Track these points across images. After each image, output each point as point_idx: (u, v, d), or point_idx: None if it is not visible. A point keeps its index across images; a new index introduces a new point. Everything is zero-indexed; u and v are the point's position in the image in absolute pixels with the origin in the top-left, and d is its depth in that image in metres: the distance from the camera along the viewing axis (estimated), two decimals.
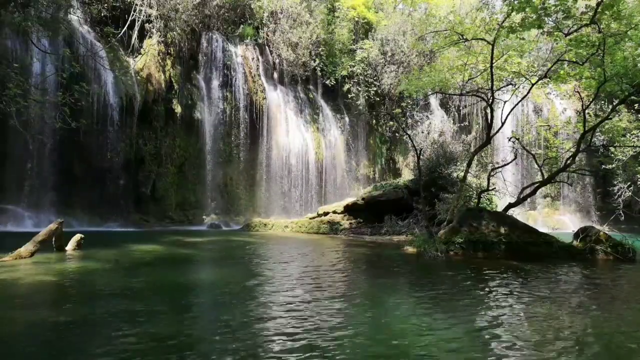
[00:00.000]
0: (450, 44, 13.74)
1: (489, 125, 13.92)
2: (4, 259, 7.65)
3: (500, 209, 13.76)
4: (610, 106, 13.18)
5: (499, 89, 13.88)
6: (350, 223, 17.37)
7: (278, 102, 23.68)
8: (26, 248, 8.06)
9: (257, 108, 22.67)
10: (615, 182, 21.93)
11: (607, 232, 11.25)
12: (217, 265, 8.97)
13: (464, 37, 12.90)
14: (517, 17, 11.56)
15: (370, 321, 4.64)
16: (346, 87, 26.05)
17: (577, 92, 15.61)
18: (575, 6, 11.17)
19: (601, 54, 10.77)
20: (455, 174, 17.15)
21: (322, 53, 25.13)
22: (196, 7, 21.17)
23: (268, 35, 23.97)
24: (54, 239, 8.76)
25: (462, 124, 26.52)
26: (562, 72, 12.96)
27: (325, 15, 26.09)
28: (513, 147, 15.15)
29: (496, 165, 15.88)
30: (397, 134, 26.44)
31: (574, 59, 11.94)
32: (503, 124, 13.81)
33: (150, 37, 20.01)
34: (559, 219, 26.14)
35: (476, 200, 14.01)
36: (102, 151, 17.59)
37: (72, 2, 15.75)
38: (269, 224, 18.29)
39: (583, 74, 12.45)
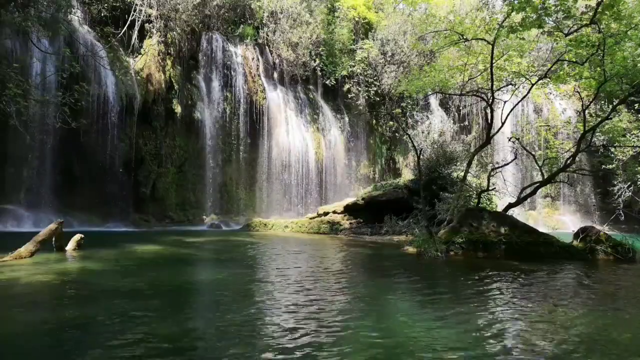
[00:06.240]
0: (450, 44, 13.73)
1: (489, 125, 13.92)
2: (4, 259, 7.65)
3: (500, 209, 13.74)
4: (610, 106, 13.17)
5: (499, 89, 13.88)
6: (351, 223, 17.37)
7: (278, 102, 23.69)
8: (26, 248, 8.06)
9: (257, 108, 22.68)
10: (615, 182, 21.91)
11: (607, 232, 11.24)
12: (217, 265, 8.97)
13: (464, 37, 12.90)
14: (517, 17, 11.57)
15: (370, 321, 4.64)
16: (346, 87, 26.06)
17: (577, 92, 15.61)
18: (575, 6, 11.17)
19: (601, 54, 10.77)
20: (455, 174, 17.14)
21: (322, 53, 25.13)
22: (196, 7, 21.17)
23: (268, 35, 23.97)
24: (54, 239, 8.76)
25: (462, 124, 26.54)
26: (562, 72, 12.97)
27: (325, 15, 26.09)
28: (513, 147, 15.15)
29: (496, 165, 15.86)
30: (397, 134, 26.46)
31: (574, 59, 11.93)
32: (503, 124, 13.80)
33: (150, 37, 20.02)
34: (559, 219, 26.14)
35: (476, 200, 14.01)
36: (102, 151, 17.60)
37: (72, 2, 15.72)
38: (269, 224, 18.29)
39: (583, 74, 12.45)
